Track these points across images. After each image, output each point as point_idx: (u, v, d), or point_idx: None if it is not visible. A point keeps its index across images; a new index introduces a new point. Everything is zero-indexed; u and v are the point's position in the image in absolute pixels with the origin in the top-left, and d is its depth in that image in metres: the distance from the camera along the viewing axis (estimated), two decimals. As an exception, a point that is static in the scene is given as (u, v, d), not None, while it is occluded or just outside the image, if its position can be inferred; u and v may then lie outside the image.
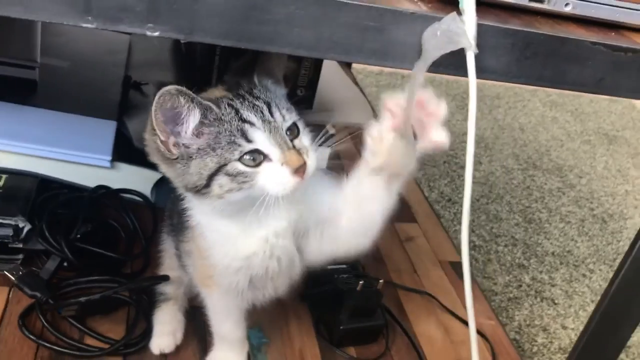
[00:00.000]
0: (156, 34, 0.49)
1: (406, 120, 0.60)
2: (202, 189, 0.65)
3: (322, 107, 1.37)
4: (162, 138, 0.64)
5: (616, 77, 0.59)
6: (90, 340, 0.87)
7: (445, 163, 2.02)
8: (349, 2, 0.51)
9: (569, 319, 1.49)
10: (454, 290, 1.14)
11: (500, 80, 0.58)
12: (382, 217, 0.70)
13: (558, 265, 1.68)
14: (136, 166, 1.09)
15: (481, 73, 0.55)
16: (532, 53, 0.57)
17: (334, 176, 0.74)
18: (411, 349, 0.99)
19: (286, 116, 0.67)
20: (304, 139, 0.68)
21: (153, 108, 0.61)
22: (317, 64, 1.31)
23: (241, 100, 0.66)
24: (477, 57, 0.54)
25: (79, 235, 0.96)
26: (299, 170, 0.64)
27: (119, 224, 1.05)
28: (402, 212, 1.35)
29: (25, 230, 0.94)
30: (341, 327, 0.94)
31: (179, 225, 0.83)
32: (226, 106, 0.65)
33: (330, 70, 1.44)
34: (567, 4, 0.59)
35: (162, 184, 1.09)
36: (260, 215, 0.68)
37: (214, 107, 0.64)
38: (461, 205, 0.63)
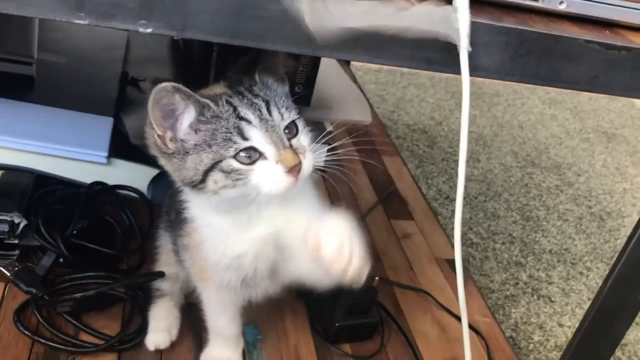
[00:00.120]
0: (149, 30, 0.49)
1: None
2: (198, 184, 0.66)
3: (320, 104, 1.37)
4: (159, 133, 0.65)
5: (610, 75, 0.59)
6: (85, 336, 0.87)
7: (444, 160, 2.02)
8: (343, -1, 0.51)
9: (566, 316, 1.49)
10: (450, 287, 1.14)
11: (494, 78, 0.58)
12: (328, 280, 0.70)
13: (555, 263, 1.68)
14: (133, 162, 1.09)
15: (474, 71, 0.55)
16: (526, 51, 0.57)
17: (321, 200, 0.74)
18: (406, 346, 0.99)
19: (285, 115, 0.67)
20: (303, 139, 0.68)
21: (149, 104, 0.62)
22: (315, 61, 1.30)
23: (240, 97, 0.66)
24: (471, 55, 0.54)
25: (75, 232, 0.96)
26: (294, 169, 0.65)
27: (115, 220, 1.05)
28: (399, 209, 1.36)
29: (21, 226, 0.94)
30: (336, 324, 0.94)
31: (177, 220, 0.83)
32: (224, 103, 0.65)
33: (328, 67, 1.43)
34: (561, 2, 0.59)
35: (159, 180, 1.09)
36: (251, 215, 0.69)
37: (211, 104, 0.64)
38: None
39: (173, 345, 0.89)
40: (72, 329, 0.87)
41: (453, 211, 1.79)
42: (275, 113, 0.66)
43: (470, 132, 2.38)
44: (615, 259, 0.77)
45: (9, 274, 0.89)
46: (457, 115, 2.20)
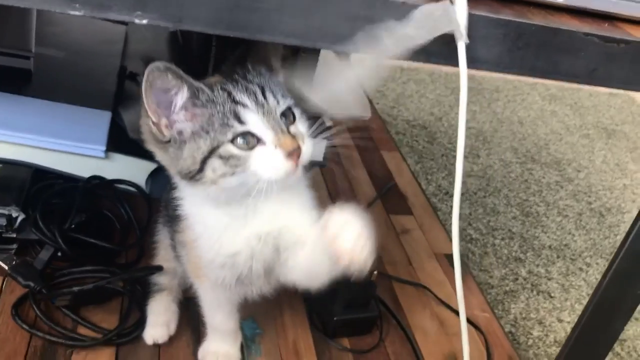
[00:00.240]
0: (144, 21, 0.49)
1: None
2: (196, 174, 0.65)
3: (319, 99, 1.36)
4: (154, 119, 0.64)
5: (609, 68, 0.59)
6: (83, 330, 0.87)
7: (443, 156, 2.02)
8: (340, -10, 0.51)
9: (565, 312, 1.49)
10: (449, 282, 1.14)
11: (492, 71, 0.57)
12: (328, 275, 0.70)
13: (555, 258, 1.68)
14: (131, 157, 1.08)
15: (473, 63, 0.55)
16: (524, 44, 0.56)
17: (314, 202, 0.74)
18: (405, 341, 0.99)
19: (280, 101, 0.67)
20: (300, 126, 0.68)
21: (143, 86, 0.61)
22: (314, 52, 1.30)
23: (234, 83, 0.66)
24: (469, 47, 0.54)
25: (73, 226, 0.96)
26: (293, 154, 0.64)
27: (114, 214, 1.05)
28: (398, 204, 1.36)
29: (19, 220, 0.94)
30: (335, 318, 0.94)
31: (175, 216, 0.83)
32: (219, 89, 0.65)
33: (326, 58, 1.43)
34: (560, -6, 0.59)
35: (157, 174, 1.09)
36: (248, 210, 0.68)
37: (205, 88, 0.64)
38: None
39: (171, 339, 0.89)
40: (70, 323, 0.88)
41: (452, 207, 1.79)
42: (270, 98, 0.66)
43: (470, 127, 2.38)
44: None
45: (7, 268, 0.89)
46: (457, 111, 2.16)
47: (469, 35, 0.54)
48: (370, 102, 1.56)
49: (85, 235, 0.96)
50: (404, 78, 2.52)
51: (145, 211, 1.07)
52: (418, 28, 0.52)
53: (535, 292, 1.53)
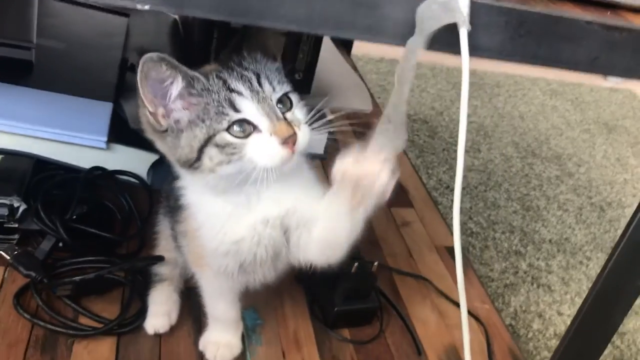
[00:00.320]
0: (146, 7, 0.49)
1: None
2: (194, 162, 0.65)
3: (320, 92, 1.36)
4: (151, 109, 0.64)
5: (611, 56, 0.59)
6: (84, 320, 0.87)
7: (445, 150, 2.02)
8: (342, -24, 0.50)
9: (565, 305, 1.49)
10: (450, 274, 1.14)
11: (494, 59, 0.57)
12: (348, 240, 0.70)
13: (555, 252, 1.68)
14: (132, 148, 1.08)
15: (474, 51, 0.55)
16: (526, 31, 0.56)
17: (319, 181, 0.74)
18: (405, 332, 0.99)
19: (276, 87, 0.67)
20: (297, 113, 0.68)
21: (138, 77, 0.61)
22: (316, 48, 1.30)
23: (229, 71, 0.66)
24: (471, 35, 0.54)
25: (74, 216, 0.96)
26: (289, 141, 0.64)
27: (115, 205, 1.05)
28: (399, 197, 1.35)
29: (20, 210, 0.94)
30: (335, 309, 0.94)
31: (175, 206, 0.83)
32: (214, 77, 0.65)
33: (328, 55, 1.43)
34: (562, -18, 0.59)
35: (159, 165, 1.09)
36: (251, 196, 0.68)
37: (200, 77, 0.64)
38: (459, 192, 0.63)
39: (172, 329, 0.89)
40: (71, 313, 0.88)
41: (453, 200, 1.79)
42: (266, 85, 0.66)
43: (471, 122, 2.38)
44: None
45: (8, 258, 0.90)
46: (458, 105, 2.18)
47: (471, 23, 0.53)
48: (372, 96, 1.56)
49: (86, 225, 0.96)
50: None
51: (147, 202, 1.07)
52: (423, 25, 0.53)
53: (535, 286, 1.53)
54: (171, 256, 0.93)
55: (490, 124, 2.29)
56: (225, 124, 0.63)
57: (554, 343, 1.37)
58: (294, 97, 0.68)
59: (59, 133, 1.02)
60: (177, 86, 0.64)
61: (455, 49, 0.55)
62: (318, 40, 1.24)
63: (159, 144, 0.68)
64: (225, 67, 0.67)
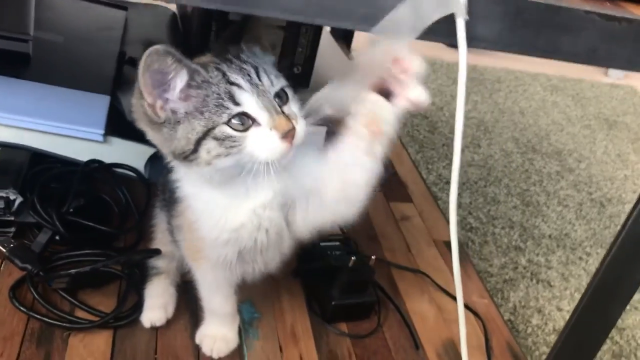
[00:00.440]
0: (140, -5, 0.48)
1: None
2: (190, 154, 0.65)
3: (319, 86, 1.36)
4: (149, 101, 0.63)
5: (610, 47, 0.58)
6: (80, 313, 0.87)
7: (444, 146, 2.01)
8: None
9: (565, 301, 1.49)
10: (448, 269, 1.14)
11: (492, 49, 0.57)
12: (368, 184, 0.69)
13: (555, 248, 1.67)
14: (130, 141, 1.08)
15: (472, 41, 0.55)
16: (524, 22, 0.56)
17: (318, 146, 0.72)
18: (403, 326, 0.99)
19: (274, 81, 0.66)
20: (293, 106, 0.67)
21: (140, 69, 0.60)
22: (315, 41, 1.29)
23: (228, 63, 0.65)
24: (468, 25, 0.54)
25: (71, 209, 0.96)
26: (288, 135, 0.64)
27: (112, 198, 1.05)
28: (398, 192, 1.35)
29: (17, 202, 0.94)
30: (333, 303, 0.94)
31: (171, 200, 0.83)
32: (214, 69, 0.64)
33: (327, 49, 1.42)
34: (561, -28, 0.58)
35: (156, 158, 1.08)
36: (248, 185, 0.68)
37: (201, 69, 0.63)
38: (459, 188, 0.62)
39: (169, 322, 0.89)
40: (67, 306, 0.87)
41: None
42: (265, 79, 0.65)
43: (471, 117, 2.37)
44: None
45: (4, 251, 0.89)
46: (459, 100, 2.19)
47: (469, 13, 0.53)
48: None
49: (83, 218, 0.96)
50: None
51: (144, 195, 1.06)
52: (422, 9, 0.52)
53: (534, 281, 1.53)
54: (168, 249, 0.92)
55: (490, 119, 2.29)
56: (225, 117, 0.63)
57: (553, 338, 1.37)
58: (289, 91, 0.68)
59: (56, 126, 1.02)
60: (182, 80, 0.63)
61: (453, 40, 0.54)
62: (317, 34, 1.23)
63: (153, 135, 0.67)
64: (223, 59, 0.66)
